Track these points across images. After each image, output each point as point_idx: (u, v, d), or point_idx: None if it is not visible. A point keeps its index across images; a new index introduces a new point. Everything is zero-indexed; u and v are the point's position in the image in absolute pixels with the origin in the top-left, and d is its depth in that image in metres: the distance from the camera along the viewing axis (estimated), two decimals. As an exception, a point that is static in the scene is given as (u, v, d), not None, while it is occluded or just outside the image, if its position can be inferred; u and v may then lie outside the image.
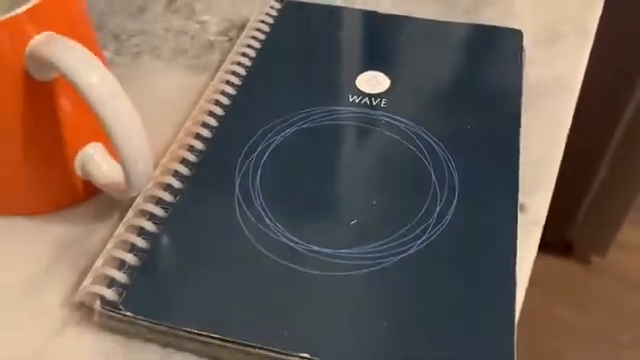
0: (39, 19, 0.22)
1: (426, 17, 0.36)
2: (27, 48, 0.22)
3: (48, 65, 0.22)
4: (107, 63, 0.30)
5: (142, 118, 0.23)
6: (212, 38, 0.36)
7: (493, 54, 0.33)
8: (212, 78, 0.34)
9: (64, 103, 0.24)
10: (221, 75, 0.32)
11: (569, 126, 0.31)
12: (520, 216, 0.26)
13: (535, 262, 0.26)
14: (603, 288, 1.02)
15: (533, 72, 0.33)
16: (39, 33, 0.22)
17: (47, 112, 0.24)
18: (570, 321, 0.98)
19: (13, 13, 0.21)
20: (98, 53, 0.26)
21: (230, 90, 0.31)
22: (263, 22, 0.35)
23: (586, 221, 0.98)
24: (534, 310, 0.98)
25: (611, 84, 0.79)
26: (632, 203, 0.93)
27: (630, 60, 0.76)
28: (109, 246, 0.24)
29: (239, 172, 0.27)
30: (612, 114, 0.83)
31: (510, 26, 0.35)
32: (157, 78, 0.34)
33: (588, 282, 1.03)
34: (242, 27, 0.37)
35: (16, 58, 0.22)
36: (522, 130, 0.29)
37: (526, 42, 0.34)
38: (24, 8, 0.22)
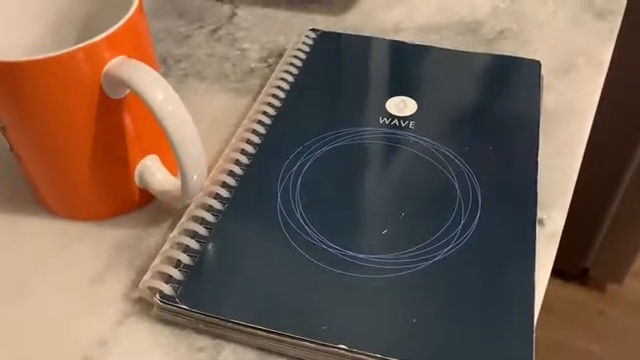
0: (114, 45, 0.25)
1: (449, 47, 0.38)
2: (104, 69, 0.25)
3: (121, 84, 0.25)
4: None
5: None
6: (252, 64, 0.40)
7: (514, 81, 0.35)
8: (253, 100, 0.37)
9: (130, 118, 0.27)
10: (263, 98, 0.35)
11: (584, 148, 0.33)
12: (539, 230, 0.28)
13: (551, 290, 0.28)
14: (619, 316, 1.02)
15: (550, 99, 0.36)
16: (114, 56, 0.25)
17: (116, 126, 0.27)
18: (586, 348, 0.98)
19: (93, 40, 0.25)
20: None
21: (271, 111, 0.34)
22: (300, 50, 0.38)
23: (602, 249, 0.99)
24: (550, 337, 0.99)
25: (625, 115, 0.81)
26: (648, 232, 0.94)
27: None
28: (166, 247, 0.27)
29: (280, 184, 0.30)
30: (627, 145, 0.85)
31: (525, 56, 0.37)
32: (202, 98, 0.37)
33: (604, 310, 1.03)
34: (280, 54, 0.40)
35: (94, 77, 0.25)
36: (540, 151, 0.31)
37: (543, 72, 0.37)
38: (102, 36, 0.25)
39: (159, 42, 0.42)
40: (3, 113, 0.26)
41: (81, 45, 0.24)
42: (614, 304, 1.04)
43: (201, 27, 0.43)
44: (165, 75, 0.39)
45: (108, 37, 0.25)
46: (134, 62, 0.25)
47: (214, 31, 0.43)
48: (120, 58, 0.25)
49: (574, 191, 0.31)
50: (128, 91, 0.26)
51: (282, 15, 0.44)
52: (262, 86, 0.38)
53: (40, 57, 0.24)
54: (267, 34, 0.42)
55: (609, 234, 0.97)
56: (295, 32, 0.42)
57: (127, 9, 0.26)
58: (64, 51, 0.24)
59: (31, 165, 0.28)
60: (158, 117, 0.25)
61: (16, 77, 0.24)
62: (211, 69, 0.39)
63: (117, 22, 0.26)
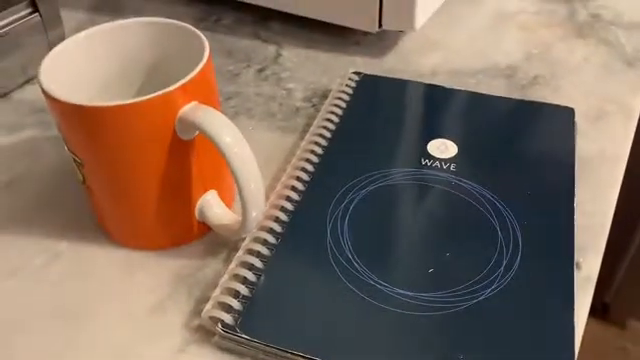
0: (188, 92, 0.27)
1: (485, 92, 0.40)
2: (178, 114, 0.27)
3: (193, 127, 0.28)
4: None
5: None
6: (297, 104, 0.42)
7: (549, 127, 0.37)
8: (299, 139, 0.39)
9: (196, 158, 0.29)
10: (310, 137, 0.37)
11: (617, 194, 0.35)
12: (576, 273, 0.29)
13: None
14: (639, 352, 1.02)
15: (583, 145, 0.37)
16: (187, 103, 0.28)
17: (183, 164, 0.29)
18: (606, 385, 0.97)
19: (169, 88, 0.27)
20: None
21: (318, 150, 0.36)
22: (344, 92, 0.40)
23: (623, 284, 0.99)
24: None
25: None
26: (669, 269, 0.94)
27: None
28: (225, 278, 0.29)
29: (329, 221, 0.32)
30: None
31: (558, 103, 0.39)
32: (251, 136, 0.39)
33: (624, 346, 1.02)
34: (323, 95, 0.42)
35: (168, 121, 0.27)
36: (575, 196, 0.33)
37: (576, 118, 0.38)
38: (178, 85, 0.27)
39: (208, 79, 0.44)
40: (82, 152, 0.28)
41: (159, 93, 0.27)
42: (635, 340, 1.03)
43: (248, 66, 0.46)
44: (215, 112, 0.41)
45: (183, 86, 0.27)
46: (205, 108, 0.28)
47: (261, 71, 0.45)
48: (193, 104, 0.28)
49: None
50: (197, 132, 0.29)
51: (324, 57, 0.47)
52: (307, 125, 0.40)
53: (121, 103, 0.26)
54: (310, 75, 0.45)
55: (630, 270, 0.97)
56: (337, 73, 0.45)
57: (194, 52, 0.29)
58: (143, 98, 0.26)
59: (101, 197, 0.31)
60: (226, 157, 0.27)
61: (97, 121, 0.27)
62: (259, 108, 0.42)
63: (184, 63, 0.28)
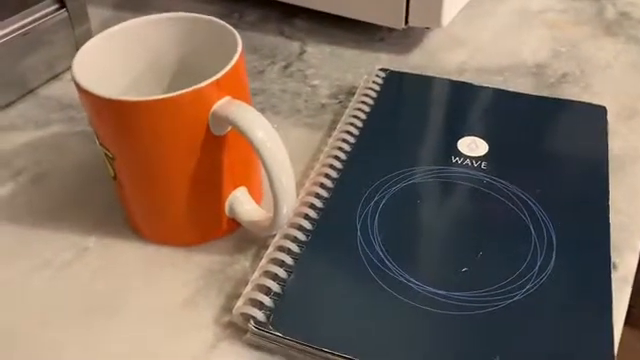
0: (222, 87, 0.27)
1: (513, 90, 0.40)
2: (212, 109, 0.27)
3: (226, 122, 0.27)
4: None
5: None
6: (323, 100, 0.42)
7: (581, 126, 0.37)
8: (326, 135, 0.39)
9: (227, 154, 0.29)
10: (338, 134, 0.37)
11: (652, 194, 0.34)
12: (613, 273, 0.29)
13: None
14: (659, 358, 1.00)
15: (615, 144, 0.37)
16: (221, 98, 0.27)
17: (214, 160, 0.29)
18: (625, 390, 0.96)
19: (204, 83, 0.27)
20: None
21: (346, 147, 0.35)
22: (371, 89, 0.40)
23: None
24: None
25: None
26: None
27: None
28: (256, 275, 0.29)
29: (359, 218, 0.31)
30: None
31: (588, 101, 0.39)
32: (279, 132, 0.39)
33: (644, 350, 1.01)
34: (349, 92, 0.42)
35: (202, 116, 0.27)
36: (609, 195, 0.32)
37: (608, 117, 0.38)
38: (212, 79, 0.27)
39: (232, 76, 0.44)
40: (115, 146, 0.28)
41: (193, 88, 0.26)
42: (655, 344, 1.02)
43: (273, 63, 0.45)
44: (241, 108, 0.41)
45: (217, 81, 0.27)
46: (238, 103, 0.27)
47: (285, 67, 0.45)
48: (226, 99, 0.27)
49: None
50: (230, 128, 0.28)
51: (348, 53, 0.46)
52: (333, 122, 0.40)
53: (156, 97, 0.26)
54: (335, 71, 0.44)
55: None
56: (362, 70, 0.44)
57: (224, 47, 0.29)
58: (178, 93, 0.26)
59: (132, 193, 0.30)
60: (259, 152, 0.27)
61: (131, 115, 0.27)
62: (285, 104, 0.41)
63: (214, 58, 0.28)
